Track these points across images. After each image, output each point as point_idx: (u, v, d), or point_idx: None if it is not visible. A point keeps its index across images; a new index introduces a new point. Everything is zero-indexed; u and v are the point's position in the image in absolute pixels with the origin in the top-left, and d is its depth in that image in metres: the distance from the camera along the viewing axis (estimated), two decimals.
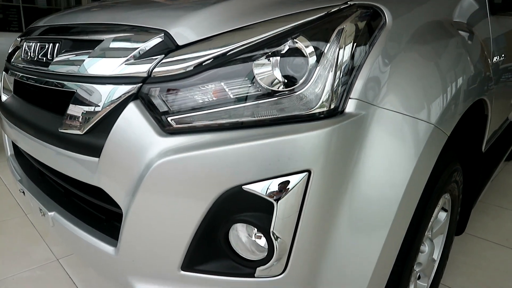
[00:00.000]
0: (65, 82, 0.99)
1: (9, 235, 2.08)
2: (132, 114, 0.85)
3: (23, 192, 1.32)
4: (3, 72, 1.45)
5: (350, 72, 0.83)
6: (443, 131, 0.97)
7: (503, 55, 1.74)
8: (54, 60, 1.06)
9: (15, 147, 1.59)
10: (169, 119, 0.84)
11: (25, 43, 1.29)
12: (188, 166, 0.80)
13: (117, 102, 0.87)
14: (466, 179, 1.61)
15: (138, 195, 0.85)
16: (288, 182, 0.77)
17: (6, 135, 1.62)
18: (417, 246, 1.13)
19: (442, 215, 1.50)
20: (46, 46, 1.12)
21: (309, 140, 0.77)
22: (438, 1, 1.22)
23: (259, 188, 0.78)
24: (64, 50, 1.05)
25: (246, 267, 0.86)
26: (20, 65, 1.26)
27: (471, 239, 2.10)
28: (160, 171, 0.81)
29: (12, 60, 1.37)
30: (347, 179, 0.82)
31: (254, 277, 0.86)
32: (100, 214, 1.09)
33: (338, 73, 0.81)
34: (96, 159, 0.89)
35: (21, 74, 1.23)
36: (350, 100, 0.83)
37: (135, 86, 0.86)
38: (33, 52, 1.18)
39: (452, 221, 1.55)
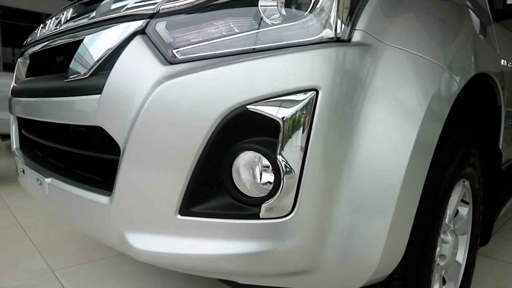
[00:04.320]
0: (75, 34, 1.00)
1: (6, 248, 2.00)
2: (137, 48, 0.84)
3: (23, 171, 1.28)
4: (18, 60, 1.49)
5: (356, 3, 0.82)
6: (455, 79, 0.93)
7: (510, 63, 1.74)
8: (67, 22, 1.09)
9: (21, 140, 1.58)
10: (174, 51, 0.83)
11: (41, 26, 1.34)
12: (189, 87, 0.77)
13: (123, 39, 0.87)
14: (486, 178, 1.52)
15: (136, 127, 0.80)
16: (295, 100, 0.73)
17: (14, 130, 1.62)
18: (437, 218, 1.03)
19: (464, 210, 1.39)
20: (61, 16, 1.16)
21: (316, 56, 0.74)
22: None
23: (265, 108, 0.74)
24: (78, 11, 1.08)
25: (250, 206, 0.78)
26: (34, 40, 1.30)
27: (499, 263, 1.95)
28: (160, 97, 0.78)
29: (27, 42, 1.41)
30: (355, 108, 0.78)
31: (259, 218, 0.78)
32: (96, 177, 1.04)
33: (342, 3, 0.81)
34: (98, 96, 0.87)
35: (35, 48, 1.26)
36: (356, 31, 0.81)
37: (142, 21, 0.86)
38: (47, 27, 1.22)
39: (475, 220, 1.44)
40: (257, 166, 0.78)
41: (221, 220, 0.79)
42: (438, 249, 1.17)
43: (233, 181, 0.79)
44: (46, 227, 2.32)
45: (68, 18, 1.10)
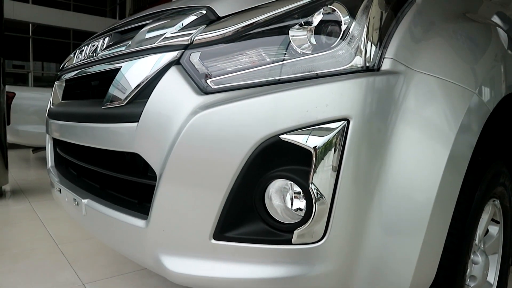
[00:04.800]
0: (112, 63, 1.05)
1: (38, 260, 2.07)
2: (173, 78, 0.89)
3: (60, 190, 1.34)
4: (55, 83, 1.57)
5: (384, 32, 0.84)
6: (485, 103, 0.93)
7: None
8: (104, 50, 1.15)
9: (56, 158, 1.65)
10: (208, 81, 0.86)
11: (77, 51, 1.41)
12: (223, 117, 0.80)
13: (159, 69, 0.91)
14: None
15: (172, 155, 0.84)
16: (326, 129, 0.75)
17: (49, 149, 1.70)
18: (467, 241, 1.02)
19: (494, 229, 1.37)
20: (97, 43, 1.22)
21: (347, 87, 0.76)
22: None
23: (297, 137, 0.76)
24: (114, 40, 1.14)
25: (282, 232, 0.81)
26: (71, 66, 1.37)
27: None
28: (196, 126, 0.82)
29: (64, 67, 1.49)
30: (387, 135, 0.79)
31: (291, 244, 0.80)
32: (132, 199, 1.08)
33: (371, 33, 0.82)
34: (135, 124, 0.91)
35: (72, 73, 1.32)
36: (385, 59, 0.83)
37: (177, 52, 0.90)
38: (85, 53, 1.29)
39: (506, 238, 1.41)
40: (288, 193, 0.80)
41: (254, 245, 0.82)
42: (468, 270, 1.16)
43: (266, 207, 0.82)
44: (76, 240, 2.39)
45: (105, 46, 1.16)
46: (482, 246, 1.27)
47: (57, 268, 1.99)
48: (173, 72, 0.89)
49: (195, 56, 0.89)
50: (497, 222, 1.36)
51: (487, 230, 1.36)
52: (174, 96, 0.87)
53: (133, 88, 0.95)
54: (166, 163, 0.85)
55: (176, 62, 0.90)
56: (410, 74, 0.84)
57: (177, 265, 0.88)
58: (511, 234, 1.45)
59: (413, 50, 0.86)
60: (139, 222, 0.93)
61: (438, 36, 0.91)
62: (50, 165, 1.66)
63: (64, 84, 1.46)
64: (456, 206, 0.93)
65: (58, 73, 1.57)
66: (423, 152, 0.83)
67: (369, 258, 0.83)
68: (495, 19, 1.38)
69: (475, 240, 1.19)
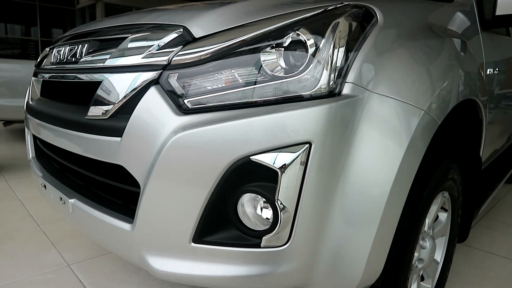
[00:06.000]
0: (93, 75, 1.10)
1: (22, 242, 2.14)
2: (152, 97, 0.96)
3: (44, 186, 1.40)
4: (32, 78, 1.58)
5: (345, 59, 0.93)
6: (434, 118, 1.05)
7: (496, 69, 1.85)
8: (82, 58, 1.18)
9: (36, 149, 1.69)
10: (185, 101, 0.94)
11: (54, 49, 1.43)
12: (201, 139, 0.89)
13: (139, 88, 0.98)
14: (466, 183, 1.67)
15: (155, 169, 0.93)
16: (291, 152, 0.86)
17: (29, 140, 1.73)
18: (415, 232, 1.18)
19: (443, 216, 1.55)
20: (75, 48, 1.25)
21: (309, 114, 0.86)
22: (429, 9, 1.35)
23: (265, 158, 0.86)
24: (92, 49, 1.18)
25: (253, 237, 0.93)
26: (49, 67, 1.39)
27: (477, 252, 2.12)
28: (176, 145, 0.91)
29: (41, 65, 1.50)
30: (344, 154, 0.90)
31: (260, 247, 0.92)
32: (116, 199, 1.17)
33: (334, 60, 0.92)
34: (119, 139, 0.99)
35: (50, 75, 1.35)
36: (346, 84, 0.93)
37: (156, 72, 0.97)
38: (62, 55, 1.32)
39: (453, 223, 1.60)
40: (258, 205, 0.92)
41: (228, 248, 0.94)
42: (416, 254, 1.33)
43: (238, 216, 0.93)
44: (57, 220, 2.45)
45: (84, 54, 1.20)
46: (431, 232, 1.44)
47: (42, 249, 2.07)
48: (153, 91, 0.96)
49: (173, 77, 0.95)
50: (446, 210, 1.54)
51: (437, 217, 1.53)
52: (154, 115, 0.94)
53: (115, 103, 1.02)
54: (149, 176, 0.94)
55: (155, 81, 0.97)
56: (368, 96, 0.94)
57: (161, 263, 1.00)
58: (458, 218, 1.64)
59: (371, 74, 0.96)
60: (125, 226, 1.03)
61: (395, 59, 1.01)
62: (31, 156, 1.71)
63: (41, 81, 1.48)
64: (405, 205, 1.07)
65: (35, 68, 1.58)
66: (377, 165, 0.95)
67: (327, 255, 0.97)
68: (454, 24, 1.49)
69: (424, 228, 1.36)
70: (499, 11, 1.71)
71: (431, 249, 1.43)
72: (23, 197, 2.90)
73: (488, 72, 1.75)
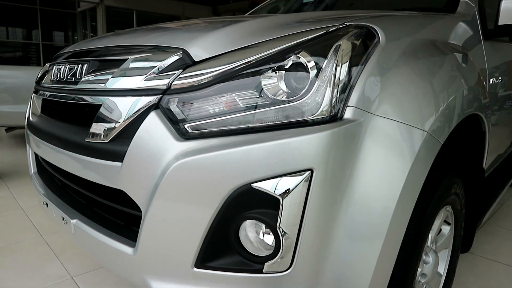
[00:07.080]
0: (93, 97, 1.10)
1: (25, 254, 2.15)
2: (153, 122, 0.95)
3: (46, 204, 1.40)
4: (32, 94, 1.58)
5: (347, 82, 0.92)
6: (437, 138, 1.05)
7: (499, 78, 1.84)
8: (82, 78, 1.18)
9: (38, 165, 1.69)
10: (185, 126, 0.94)
11: (54, 66, 1.43)
12: (202, 166, 0.88)
13: (139, 112, 0.97)
14: (469, 195, 1.66)
15: (156, 195, 0.93)
16: (292, 180, 0.85)
17: (30, 155, 1.73)
18: (418, 251, 1.17)
19: (446, 229, 1.54)
20: (75, 67, 1.25)
21: (310, 142, 0.85)
22: (431, 23, 1.34)
23: (267, 186, 0.86)
24: (92, 69, 1.17)
25: (255, 263, 0.92)
26: (49, 85, 1.39)
27: (481, 260, 2.10)
28: (177, 172, 0.90)
29: (41, 82, 1.50)
30: (346, 180, 0.90)
31: (262, 272, 0.92)
32: (119, 220, 1.17)
33: (336, 83, 0.91)
34: (119, 163, 0.99)
35: (50, 93, 1.35)
36: (347, 107, 0.92)
37: (156, 97, 0.96)
38: (62, 73, 1.31)
39: (456, 236, 1.59)
40: (260, 231, 0.91)
41: (230, 273, 0.94)
42: (419, 270, 1.32)
43: (240, 242, 0.93)
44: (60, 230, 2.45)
45: (84, 74, 1.19)
46: (433, 246, 1.43)
47: (45, 261, 2.07)
48: (153, 116, 0.95)
49: (173, 102, 0.95)
50: (449, 224, 1.53)
51: (440, 230, 1.52)
52: (155, 140, 0.94)
53: (115, 126, 1.01)
54: (151, 202, 0.94)
55: (155, 106, 0.96)
56: (369, 118, 0.93)
57: (163, 287, 1.00)
58: (461, 231, 1.63)
59: (373, 97, 0.95)
60: (127, 249, 1.03)
61: (397, 80, 1.00)
62: (32, 171, 1.71)
63: (41, 98, 1.48)
64: (409, 224, 1.06)
65: (35, 84, 1.58)
66: (380, 189, 0.94)
67: (331, 277, 0.96)
68: (456, 37, 1.48)
69: (427, 243, 1.35)
70: (501, 21, 1.70)
71: (434, 263, 1.42)
72: (26, 206, 2.90)
73: (491, 82, 1.73)
